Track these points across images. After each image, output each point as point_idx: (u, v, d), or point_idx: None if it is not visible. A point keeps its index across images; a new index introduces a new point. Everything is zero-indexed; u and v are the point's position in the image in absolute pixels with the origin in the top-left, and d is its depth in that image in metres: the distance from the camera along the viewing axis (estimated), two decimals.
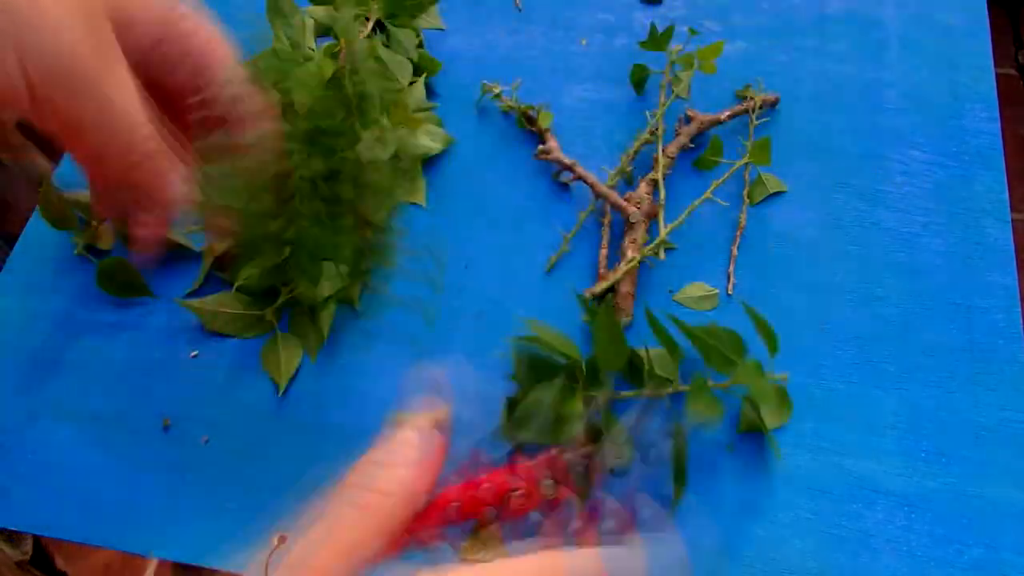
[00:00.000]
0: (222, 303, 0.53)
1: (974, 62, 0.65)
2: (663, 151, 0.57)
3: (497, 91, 0.63)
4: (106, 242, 0.57)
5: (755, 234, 0.57)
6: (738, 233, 0.57)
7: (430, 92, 0.64)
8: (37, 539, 0.84)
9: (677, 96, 0.60)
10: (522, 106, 0.62)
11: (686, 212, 0.54)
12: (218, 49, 0.38)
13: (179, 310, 0.54)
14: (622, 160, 0.58)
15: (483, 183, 0.60)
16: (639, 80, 0.63)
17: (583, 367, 0.46)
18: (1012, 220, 0.57)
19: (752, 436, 0.50)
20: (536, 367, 0.45)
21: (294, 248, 0.43)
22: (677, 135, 0.59)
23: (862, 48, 0.66)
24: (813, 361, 0.52)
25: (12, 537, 0.78)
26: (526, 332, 0.47)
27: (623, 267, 0.53)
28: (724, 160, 0.58)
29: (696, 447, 0.50)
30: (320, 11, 0.62)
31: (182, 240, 0.56)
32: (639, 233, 0.54)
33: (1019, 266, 0.58)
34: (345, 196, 0.40)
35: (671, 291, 0.55)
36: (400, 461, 0.28)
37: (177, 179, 0.36)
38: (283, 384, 0.52)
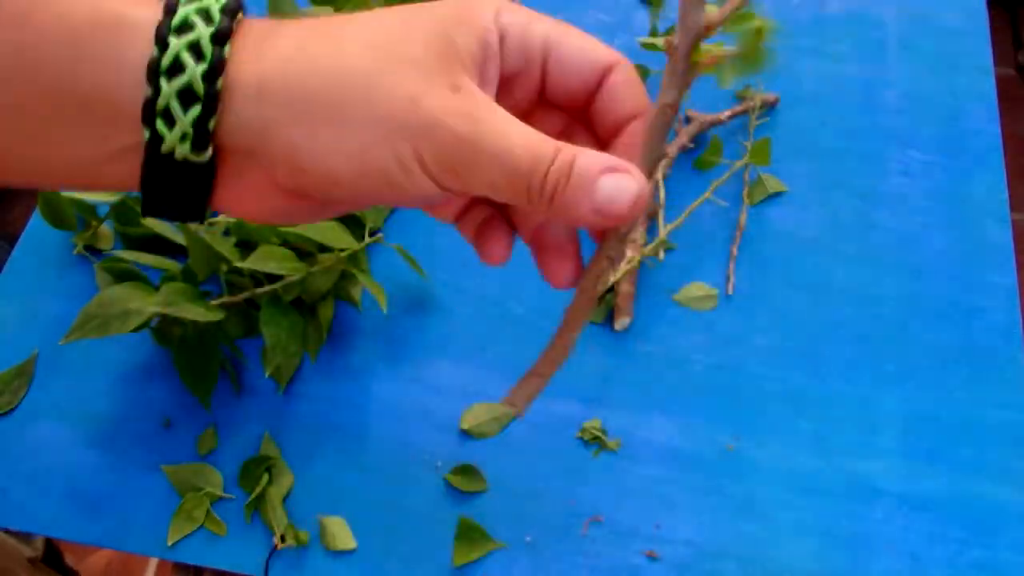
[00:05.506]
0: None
1: (974, 62, 0.65)
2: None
3: None
4: (106, 242, 0.57)
5: (755, 234, 0.57)
6: (738, 233, 0.57)
7: None
8: (48, 537, 0.84)
9: None
10: None
11: (686, 212, 0.54)
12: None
13: None
14: None
15: None
16: None
17: None
18: (1012, 220, 0.57)
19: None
20: None
21: None
22: (677, 135, 0.59)
23: (862, 48, 0.66)
24: (813, 361, 0.52)
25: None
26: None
27: (623, 267, 0.53)
28: (724, 160, 0.58)
29: (695, 446, 0.50)
30: (320, 11, 0.62)
31: (168, 233, 0.55)
32: (639, 233, 0.54)
33: (1019, 266, 0.58)
34: None
35: (671, 291, 0.55)
36: None
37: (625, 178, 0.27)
38: (283, 384, 0.52)
